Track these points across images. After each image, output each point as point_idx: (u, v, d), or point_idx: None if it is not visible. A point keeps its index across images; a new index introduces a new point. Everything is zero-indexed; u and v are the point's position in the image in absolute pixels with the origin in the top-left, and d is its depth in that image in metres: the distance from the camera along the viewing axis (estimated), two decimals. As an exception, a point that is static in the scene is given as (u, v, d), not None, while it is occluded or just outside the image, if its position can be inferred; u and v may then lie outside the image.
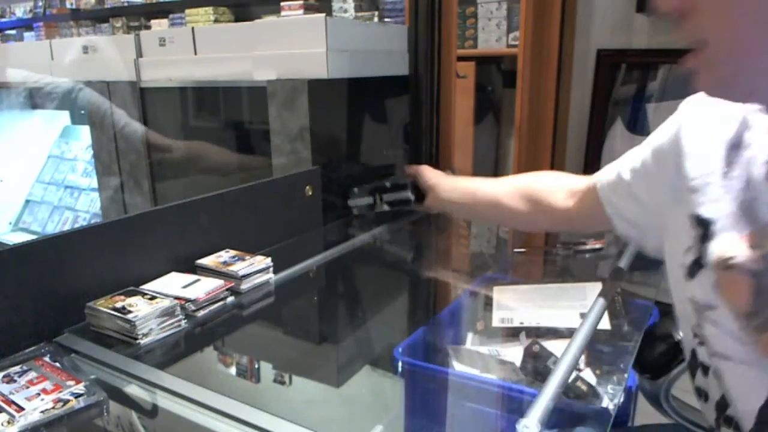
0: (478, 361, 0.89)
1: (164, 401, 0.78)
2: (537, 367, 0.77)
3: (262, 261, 1.14)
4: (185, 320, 0.97)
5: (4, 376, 0.79)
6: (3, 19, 5.02)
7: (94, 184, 2.23)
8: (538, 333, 0.95)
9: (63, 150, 2.62)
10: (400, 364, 0.84)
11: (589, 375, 0.75)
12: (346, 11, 3.08)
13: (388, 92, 1.80)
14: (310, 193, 1.45)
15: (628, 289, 1.04)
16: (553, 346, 0.78)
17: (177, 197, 1.19)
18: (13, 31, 4.95)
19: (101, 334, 0.93)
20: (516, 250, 1.34)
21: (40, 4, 4.67)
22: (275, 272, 1.17)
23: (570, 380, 0.71)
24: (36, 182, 2.64)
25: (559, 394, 0.66)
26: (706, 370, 0.65)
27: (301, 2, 2.98)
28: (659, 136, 0.73)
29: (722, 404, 0.63)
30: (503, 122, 2.94)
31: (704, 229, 0.61)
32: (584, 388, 0.73)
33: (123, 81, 1.95)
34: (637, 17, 2.17)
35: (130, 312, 0.91)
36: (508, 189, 1.03)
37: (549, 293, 1.02)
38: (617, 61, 2.26)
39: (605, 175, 0.86)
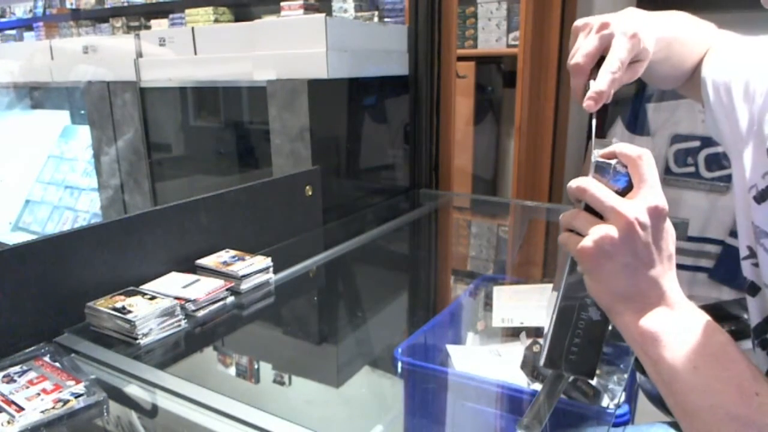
0: (478, 361, 0.89)
1: (164, 401, 0.78)
2: (537, 367, 0.77)
3: (262, 261, 1.14)
4: (185, 320, 0.97)
5: (4, 376, 0.79)
6: (3, 19, 5.02)
7: (94, 184, 2.23)
8: (538, 333, 0.95)
9: (63, 150, 2.61)
10: (399, 364, 0.84)
11: (589, 375, 0.75)
12: (346, 11, 3.08)
13: (388, 92, 1.79)
14: (310, 193, 1.45)
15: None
16: (553, 346, 0.78)
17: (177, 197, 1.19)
18: (13, 31, 4.95)
19: (101, 334, 0.93)
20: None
21: (40, 4, 4.67)
22: (275, 272, 1.17)
23: (570, 380, 0.71)
24: (36, 182, 2.64)
25: (559, 394, 0.66)
26: (756, 291, 0.66)
27: (301, 2, 2.98)
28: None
29: (763, 328, 0.65)
30: (503, 122, 2.94)
31: None
32: (584, 388, 0.72)
33: (123, 81, 1.95)
34: (637, 17, 2.17)
35: (130, 312, 0.91)
36: None
37: (549, 293, 1.02)
38: (617, 61, 2.26)
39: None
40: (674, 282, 0.55)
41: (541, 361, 0.62)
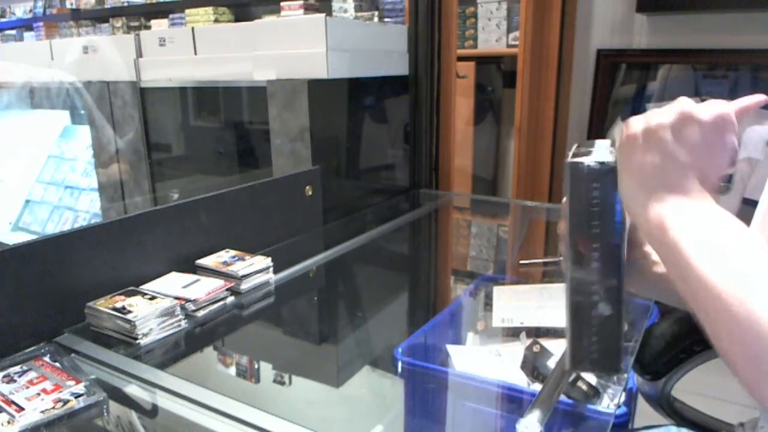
0: (478, 361, 0.89)
1: (164, 401, 0.78)
2: (537, 367, 0.77)
3: (262, 261, 1.14)
4: (185, 320, 0.97)
5: (4, 376, 0.79)
6: (3, 19, 5.01)
7: (94, 184, 2.23)
8: (538, 333, 0.95)
9: (63, 150, 2.61)
10: (400, 364, 0.84)
11: (589, 375, 0.75)
12: (346, 11, 3.08)
13: (388, 92, 1.79)
14: (310, 193, 1.45)
15: (628, 289, 1.03)
16: (553, 346, 0.78)
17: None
18: (13, 31, 4.95)
19: (101, 334, 0.93)
20: (522, 261, 1.33)
21: (40, 4, 4.66)
22: (275, 272, 1.17)
23: (570, 380, 0.71)
24: (36, 182, 2.64)
25: (559, 394, 0.66)
26: None
27: (301, 2, 2.98)
28: None
29: None
30: (503, 122, 2.94)
31: None
32: (584, 388, 0.72)
33: (123, 81, 1.95)
34: (637, 17, 2.17)
35: (130, 312, 0.91)
36: None
37: (549, 293, 1.02)
38: (617, 61, 2.26)
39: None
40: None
41: (567, 365, 0.62)
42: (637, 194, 0.56)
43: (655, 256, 0.72)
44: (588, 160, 0.57)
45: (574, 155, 0.59)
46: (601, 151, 0.61)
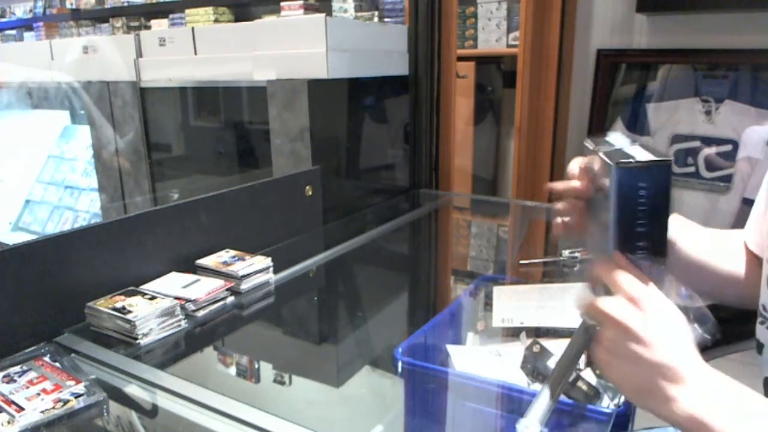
0: (478, 361, 0.89)
1: (164, 401, 0.78)
2: (537, 367, 0.77)
3: (262, 261, 1.14)
4: (185, 320, 0.97)
5: (4, 376, 0.79)
6: (3, 19, 5.02)
7: (94, 184, 2.23)
8: (538, 333, 0.95)
9: (63, 150, 2.61)
10: (399, 364, 0.83)
11: (589, 375, 0.75)
12: (346, 11, 3.08)
13: (388, 92, 1.79)
14: (310, 193, 1.45)
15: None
16: (553, 346, 0.78)
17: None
18: (13, 31, 4.95)
19: (101, 334, 0.93)
20: (522, 261, 1.34)
21: (40, 4, 4.66)
22: (275, 272, 1.17)
23: (570, 380, 0.71)
24: (36, 182, 2.64)
25: (559, 394, 0.66)
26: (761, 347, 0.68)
27: (301, 2, 2.98)
28: None
29: None
30: (503, 122, 2.94)
31: None
32: (585, 388, 0.72)
33: (123, 81, 1.95)
34: (637, 17, 2.17)
35: (130, 312, 0.91)
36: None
37: (549, 293, 1.02)
38: (617, 61, 2.26)
39: (748, 226, 0.81)
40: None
41: None
42: (649, 403, 0.55)
43: (681, 244, 0.73)
44: (636, 161, 0.56)
45: (606, 155, 0.58)
46: (628, 146, 0.60)
